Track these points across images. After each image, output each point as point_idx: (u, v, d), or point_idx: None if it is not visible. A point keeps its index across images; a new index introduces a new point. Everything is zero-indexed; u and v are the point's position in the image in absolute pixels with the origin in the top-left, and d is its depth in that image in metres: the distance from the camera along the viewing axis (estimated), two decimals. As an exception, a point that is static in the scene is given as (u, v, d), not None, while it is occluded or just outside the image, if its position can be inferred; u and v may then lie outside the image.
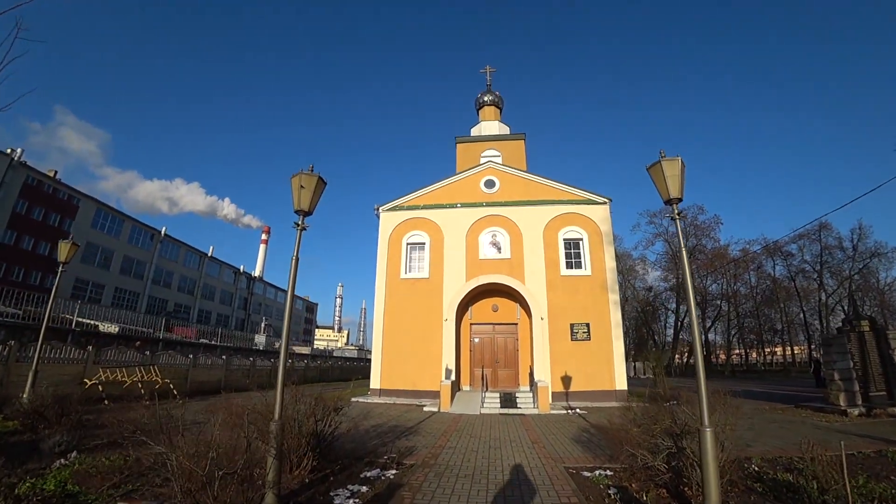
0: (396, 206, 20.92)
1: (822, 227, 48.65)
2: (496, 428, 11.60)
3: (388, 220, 20.68)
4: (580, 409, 15.42)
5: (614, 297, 19.43)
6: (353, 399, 18.05)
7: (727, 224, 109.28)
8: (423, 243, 20.13)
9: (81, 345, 15.80)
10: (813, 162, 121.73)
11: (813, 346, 53.48)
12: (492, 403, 15.52)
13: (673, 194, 5.80)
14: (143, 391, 14.80)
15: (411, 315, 19.02)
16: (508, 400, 15.87)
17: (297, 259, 6.03)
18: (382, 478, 6.56)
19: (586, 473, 7.12)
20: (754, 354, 62.90)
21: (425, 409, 15.21)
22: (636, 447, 6.45)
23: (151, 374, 15.94)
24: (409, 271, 19.94)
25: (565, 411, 14.84)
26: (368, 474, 6.66)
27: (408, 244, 20.27)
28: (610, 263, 19.78)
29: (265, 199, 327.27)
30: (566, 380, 17.70)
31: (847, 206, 48.90)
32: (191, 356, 19.62)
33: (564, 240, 19.81)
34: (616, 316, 19.16)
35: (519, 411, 14.82)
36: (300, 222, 6.13)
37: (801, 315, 54.18)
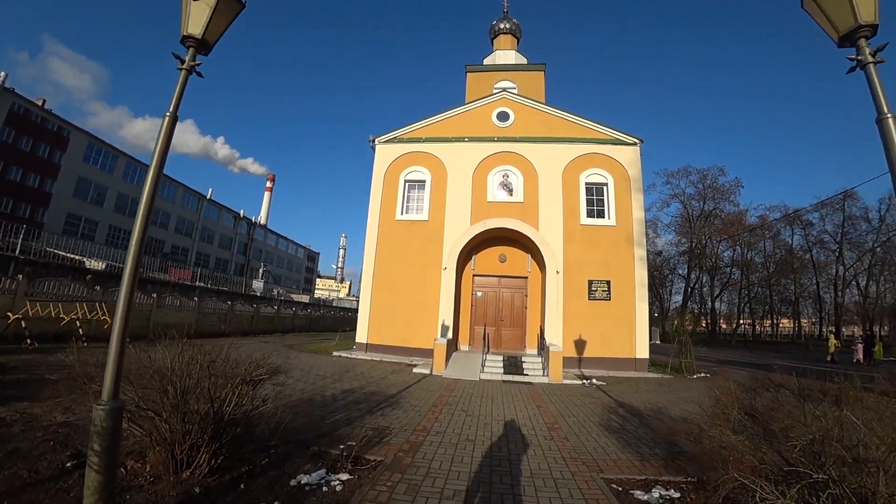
0: (395, 137, 18.01)
1: (846, 196, 45.41)
2: (499, 402, 9.24)
3: (385, 154, 17.83)
4: (597, 379, 13.13)
5: (641, 253, 16.81)
6: (336, 353, 15.88)
7: (748, 188, 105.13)
8: (424, 181, 17.36)
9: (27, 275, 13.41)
10: (844, 127, 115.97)
11: (823, 320, 51.69)
12: (494, 368, 13.24)
13: (865, 18, 3.09)
14: (81, 331, 12.54)
15: (406, 262, 16.53)
16: (513, 365, 13.58)
17: (175, 117, 3.38)
18: (324, 488, 4.16)
19: (640, 495, 4.69)
20: (760, 325, 60.94)
21: (415, 370, 12.94)
22: (748, 470, 3.95)
23: (97, 312, 13.64)
24: (406, 212, 17.28)
25: (580, 381, 12.54)
26: (305, 479, 4.26)
27: (406, 181, 17.51)
28: (638, 213, 17.05)
29: (272, 147, 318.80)
30: (580, 344, 15.38)
31: (877, 178, 45.25)
32: (154, 295, 17.32)
33: (586, 184, 17.01)
34: (641, 274, 16.62)
35: (526, 379, 12.53)
36: (187, 59, 3.49)
37: (816, 287, 52.01)
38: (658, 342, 40.52)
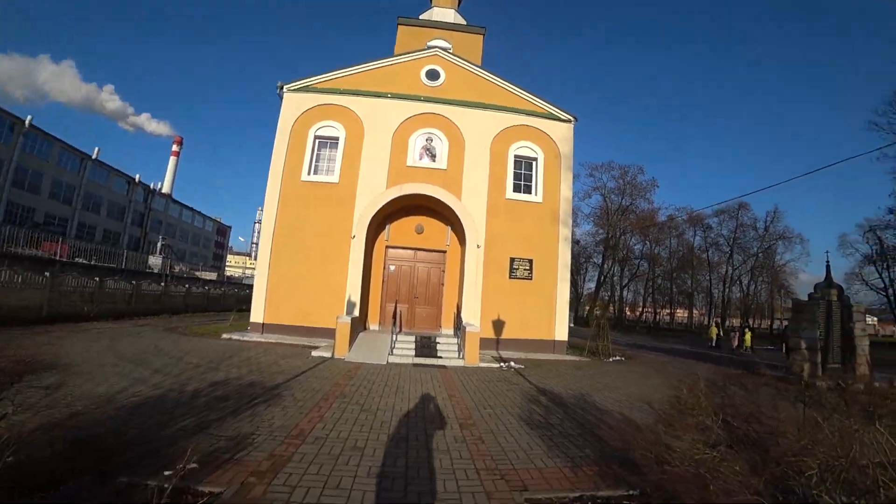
0: (307, 85, 15.62)
1: (741, 207, 52.28)
2: (405, 392, 7.76)
3: (294, 104, 15.39)
4: (515, 361, 12.14)
5: (566, 233, 16.11)
6: (226, 336, 13.51)
7: (662, 189, 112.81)
8: (337, 138, 15.25)
9: None
10: (751, 145, 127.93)
11: (711, 311, 56.91)
12: (404, 350, 11.77)
13: None
14: None
15: (312, 229, 14.41)
16: (426, 346, 12.19)
17: None
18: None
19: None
20: (660, 313, 65.58)
21: (314, 353, 11.09)
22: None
23: None
24: (315, 172, 15.09)
25: (498, 365, 11.44)
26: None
27: (317, 137, 15.28)
28: (566, 192, 16.31)
29: (178, 104, 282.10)
30: (498, 324, 14.36)
31: (764, 190, 52.75)
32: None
33: (516, 157, 15.90)
34: (565, 255, 15.95)
35: (439, 362, 11.21)
36: None
37: (708, 283, 57.53)
38: (572, 325, 41.61)
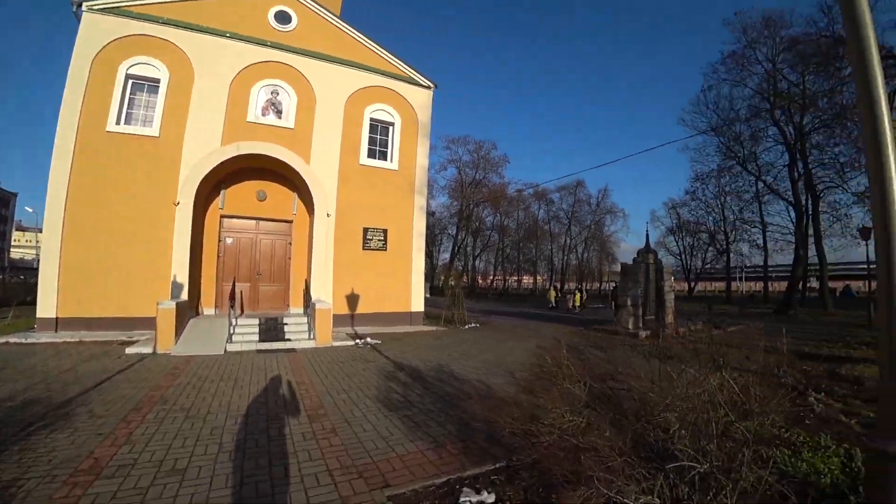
0: (118, 6, 12.20)
1: (578, 184, 59.19)
2: (245, 385, 6.61)
3: (98, 29, 11.89)
4: (371, 337, 11.55)
5: (421, 202, 15.82)
6: (2, 340, 10.24)
7: (513, 164, 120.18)
8: (158, 80, 12.42)
9: None
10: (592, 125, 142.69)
11: (552, 277, 63.64)
12: (246, 336, 10.32)
13: None
14: None
15: (122, 194, 11.56)
16: (272, 329, 10.88)
17: None
18: None
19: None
20: (509, 280, 71.22)
21: (129, 350, 8.96)
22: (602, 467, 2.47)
23: None
24: (126, 122, 12.11)
25: (353, 342, 10.72)
26: None
27: (130, 77, 12.20)
28: (422, 161, 15.93)
29: None
30: (353, 299, 13.59)
31: (597, 168, 61.58)
32: None
33: (371, 120, 14.93)
34: (420, 224, 15.71)
35: (288, 345, 10.06)
36: None
37: (550, 252, 63.77)
38: (429, 296, 42.62)
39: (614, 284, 25.23)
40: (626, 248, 77.17)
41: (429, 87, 16.22)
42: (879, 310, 1.81)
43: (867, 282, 35.54)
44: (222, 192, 13.00)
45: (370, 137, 14.90)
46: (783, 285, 34.48)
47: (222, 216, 13.05)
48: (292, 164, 12.70)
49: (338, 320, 12.97)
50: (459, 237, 57.64)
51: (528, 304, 38.34)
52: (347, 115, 14.30)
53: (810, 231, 27.26)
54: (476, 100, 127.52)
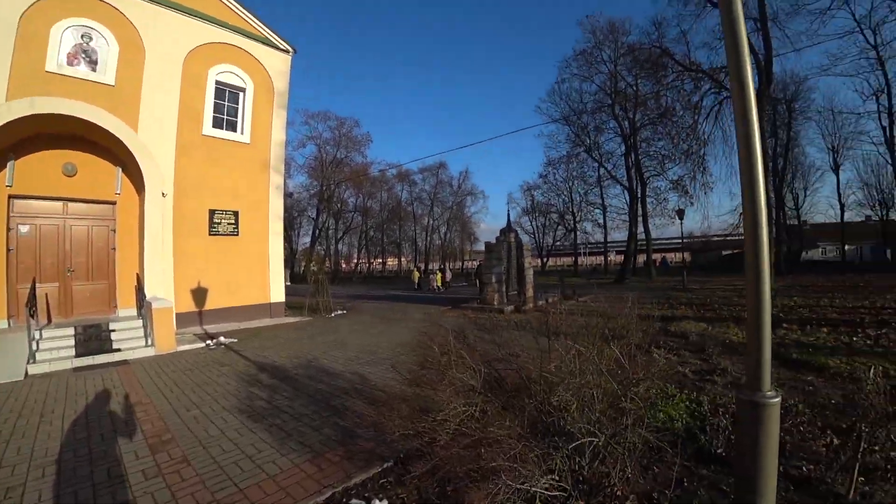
0: None
1: (440, 166, 60.36)
2: (57, 416, 5.01)
3: None
4: (226, 335, 10.06)
5: (278, 181, 14.33)
6: None
7: (376, 144, 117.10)
8: None
9: None
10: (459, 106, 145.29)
11: (416, 258, 64.58)
12: (57, 350, 8.07)
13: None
14: None
15: None
16: (95, 339, 8.69)
17: None
18: None
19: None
20: (374, 263, 70.48)
21: None
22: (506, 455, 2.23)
23: None
24: None
25: (203, 344, 9.17)
26: None
27: None
28: (279, 135, 14.37)
29: None
30: (200, 294, 11.77)
31: (460, 149, 63.52)
32: None
33: (218, 83, 12.86)
34: (278, 206, 14.28)
35: (118, 357, 8.14)
36: None
37: (414, 233, 64.32)
38: (290, 283, 39.97)
39: (478, 263, 26.19)
40: (486, 228, 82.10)
41: (287, 52, 14.56)
42: (747, 292, 2.14)
43: (681, 254, 42.46)
44: (10, 163, 9.91)
45: (216, 104, 12.84)
46: (620, 258, 39.56)
47: (11, 196, 9.95)
48: (114, 132, 10.08)
49: (183, 320, 11.16)
50: (321, 220, 54.91)
51: (393, 286, 38.19)
52: (187, 74, 12.06)
53: (641, 212, 31.45)
54: (337, 74, 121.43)
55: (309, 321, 13.05)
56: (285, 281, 15.52)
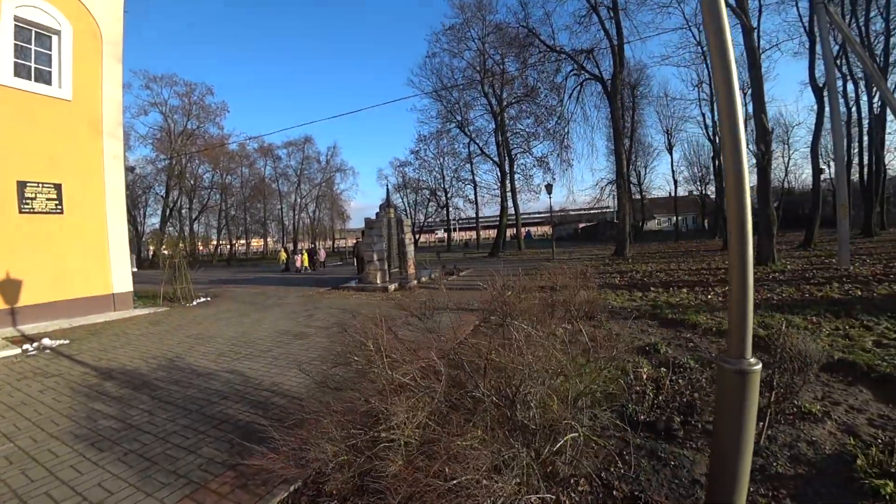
0: None
1: (307, 141, 57.50)
2: None
3: None
4: (52, 336, 8.13)
5: (115, 149, 12.01)
6: None
7: (234, 115, 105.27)
8: None
9: None
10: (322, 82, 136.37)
11: (284, 238, 60.91)
12: None
13: None
14: None
15: None
16: None
17: None
18: None
19: None
20: (236, 244, 64.84)
21: None
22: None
23: None
24: None
25: (19, 349, 7.25)
26: None
27: None
28: (113, 92, 11.98)
29: None
30: (10, 286, 9.40)
31: (327, 120, 60.20)
32: None
33: (18, 20, 10.10)
34: (116, 178, 12.07)
35: None
36: None
37: (280, 211, 60.32)
38: (136, 270, 34.65)
39: (355, 241, 25.27)
40: (357, 206, 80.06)
41: (118, -8, 12.06)
42: (731, 267, 2.10)
43: (546, 228, 45.78)
44: None
45: (18, 47, 10.13)
46: (491, 233, 41.42)
47: None
48: None
49: (-15, 319, 8.84)
50: (171, 197, 48.45)
51: (260, 268, 35.48)
52: (-34, 4, 9.27)
53: (510, 188, 33.02)
54: (184, 36, 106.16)
55: (166, 312, 11.24)
56: (132, 267, 13.23)
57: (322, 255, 32.29)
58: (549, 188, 24.96)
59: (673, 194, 39.82)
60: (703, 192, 39.90)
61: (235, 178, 55.72)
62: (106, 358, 6.48)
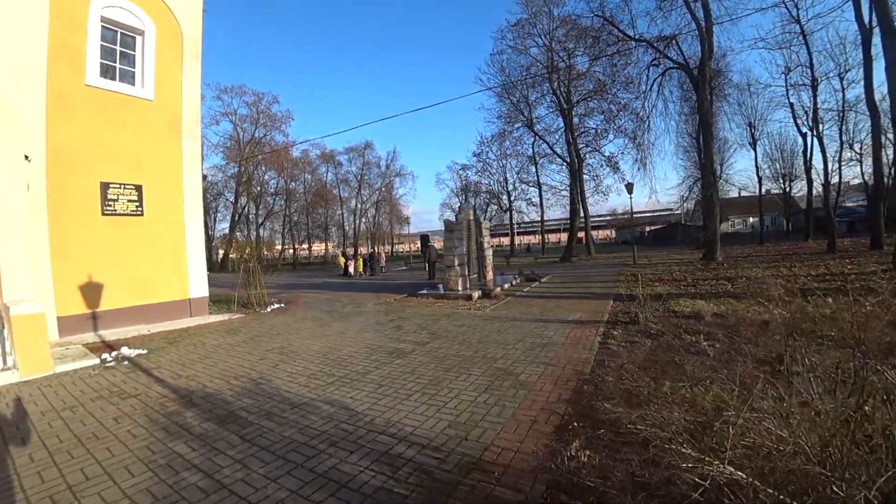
0: None
1: (367, 146, 58.50)
2: None
3: None
4: (130, 344, 7.63)
5: (194, 149, 11.70)
6: None
7: (296, 121, 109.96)
8: None
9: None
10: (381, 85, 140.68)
11: (344, 242, 61.59)
12: None
13: None
14: None
15: None
16: None
17: None
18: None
19: None
20: (299, 249, 66.36)
21: None
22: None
23: None
24: None
25: (97, 359, 6.72)
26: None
27: None
28: (192, 92, 11.68)
29: None
30: (92, 290, 9.09)
31: (386, 119, 60.70)
32: None
33: (105, 20, 9.91)
34: (195, 178, 11.73)
35: None
36: None
37: (341, 216, 61.21)
38: (208, 273, 35.83)
39: (428, 244, 24.29)
40: (414, 210, 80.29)
41: (197, -9, 11.81)
42: None
43: (613, 231, 43.39)
44: None
45: (105, 48, 9.94)
46: (552, 237, 39.60)
47: None
48: None
49: (71, 325, 8.59)
50: (239, 204, 50.12)
51: (324, 272, 35.55)
52: (59, 6, 9.10)
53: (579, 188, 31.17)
54: (251, 46, 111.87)
55: (241, 319, 10.71)
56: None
57: (382, 259, 31.84)
58: (629, 187, 23.04)
59: (757, 193, 36.16)
60: (788, 190, 36.08)
61: (299, 184, 57.11)
62: (185, 375, 5.74)
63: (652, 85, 22.97)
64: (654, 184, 77.94)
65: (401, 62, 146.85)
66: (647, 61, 22.97)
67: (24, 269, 6.81)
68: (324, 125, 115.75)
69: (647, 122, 24.39)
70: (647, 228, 59.35)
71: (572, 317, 8.28)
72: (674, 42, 21.33)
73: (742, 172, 78.69)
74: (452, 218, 15.13)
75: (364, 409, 4.16)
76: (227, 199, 51.09)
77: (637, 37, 22.39)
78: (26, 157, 7.19)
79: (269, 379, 5.37)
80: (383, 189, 61.82)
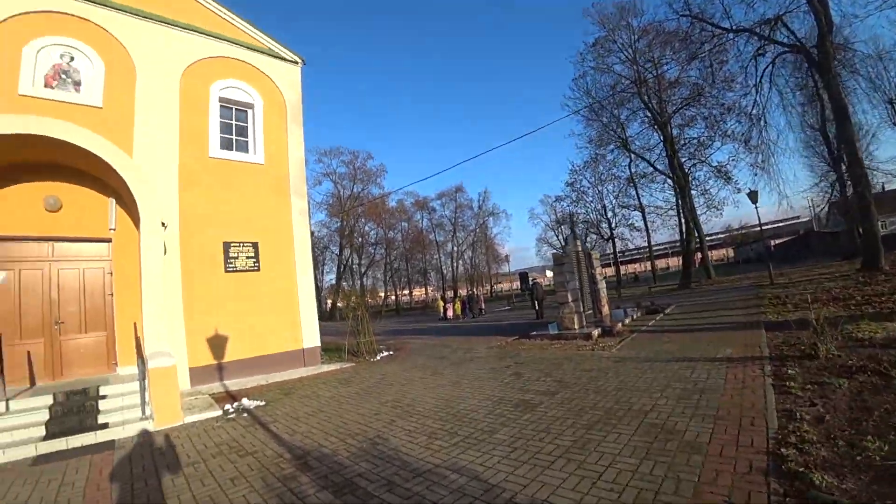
0: None
1: (458, 190, 59.89)
2: None
3: None
4: (249, 395, 7.89)
5: (301, 205, 12.40)
6: None
7: (389, 172, 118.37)
8: None
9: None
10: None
11: (443, 286, 62.09)
12: (23, 430, 6.01)
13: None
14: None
15: None
16: (77, 411, 6.55)
17: None
18: None
19: None
20: (400, 295, 68.33)
21: None
22: None
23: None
24: None
25: (220, 411, 6.97)
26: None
27: None
28: (297, 153, 12.52)
29: None
30: (218, 343, 9.68)
31: (476, 158, 62.09)
32: None
33: (223, 100, 11.15)
34: (303, 233, 12.32)
35: (101, 436, 6.01)
36: None
37: (438, 260, 62.33)
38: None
39: (534, 282, 23.36)
40: (510, 248, 79.89)
41: (295, 62, 12.89)
42: None
43: (733, 249, 38.67)
44: (-19, 200, 8.16)
45: (223, 123, 11.11)
46: (660, 263, 36.42)
47: (-17, 239, 8.20)
48: (101, 154, 8.19)
49: (200, 375, 9.19)
50: (344, 255, 53.42)
51: (426, 317, 35.93)
52: (186, 91, 10.37)
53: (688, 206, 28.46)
54: (342, 108, 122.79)
55: (353, 369, 10.77)
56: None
57: (481, 301, 31.43)
58: (753, 196, 20.43)
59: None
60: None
61: (397, 233, 59.69)
62: (300, 431, 5.64)
63: (762, 76, 20.57)
64: (783, 187, 68.96)
65: (479, 103, 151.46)
66: (750, 52, 20.61)
67: (163, 324, 7.38)
68: (415, 172, 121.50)
69: (763, 119, 21.60)
70: (773, 242, 52.44)
71: (721, 353, 7.06)
72: (779, 24, 18.94)
73: (886, 163, 67.18)
74: (549, 253, 14.39)
75: (500, 480, 3.56)
76: (332, 252, 54.79)
77: (735, 27, 20.32)
78: (163, 225, 7.97)
79: (387, 438, 5.04)
80: (477, 230, 62.55)
